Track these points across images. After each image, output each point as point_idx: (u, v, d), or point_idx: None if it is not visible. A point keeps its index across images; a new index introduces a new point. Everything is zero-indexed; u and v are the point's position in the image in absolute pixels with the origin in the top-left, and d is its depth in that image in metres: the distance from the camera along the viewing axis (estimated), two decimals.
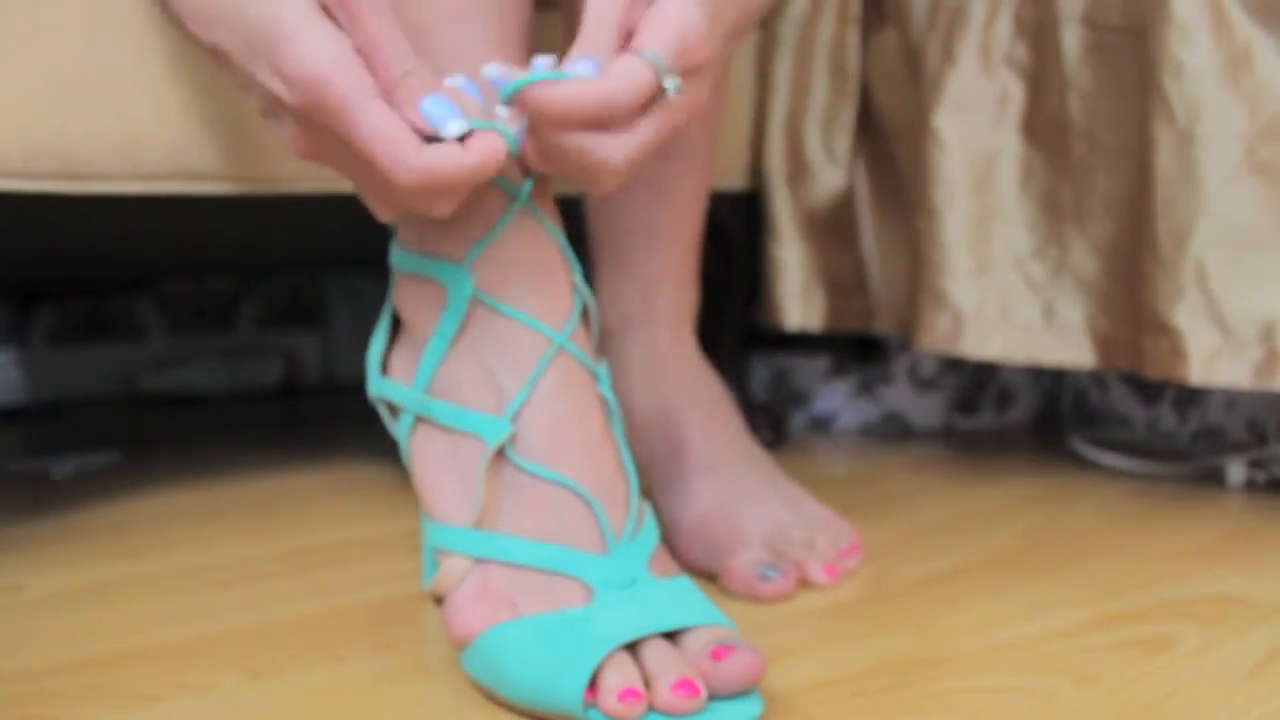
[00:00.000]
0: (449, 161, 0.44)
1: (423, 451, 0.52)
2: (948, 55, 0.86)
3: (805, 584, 0.62)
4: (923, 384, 1.08)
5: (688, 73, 0.48)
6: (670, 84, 0.46)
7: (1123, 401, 1.07)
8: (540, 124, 0.46)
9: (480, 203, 0.50)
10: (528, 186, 0.51)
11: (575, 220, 0.67)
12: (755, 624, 0.55)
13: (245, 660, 0.52)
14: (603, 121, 0.46)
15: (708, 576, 0.63)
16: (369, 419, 0.65)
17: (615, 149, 0.47)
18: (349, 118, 0.44)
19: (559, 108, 0.45)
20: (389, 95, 0.45)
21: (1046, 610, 0.58)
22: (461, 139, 0.45)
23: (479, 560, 0.49)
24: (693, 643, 0.45)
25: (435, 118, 0.45)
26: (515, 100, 0.46)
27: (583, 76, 0.45)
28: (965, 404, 1.09)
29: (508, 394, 0.50)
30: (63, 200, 0.66)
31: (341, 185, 0.71)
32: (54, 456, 0.98)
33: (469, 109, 0.46)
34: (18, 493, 0.88)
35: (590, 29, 0.47)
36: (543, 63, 0.46)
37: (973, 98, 0.86)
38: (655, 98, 0.47)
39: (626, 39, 0.47)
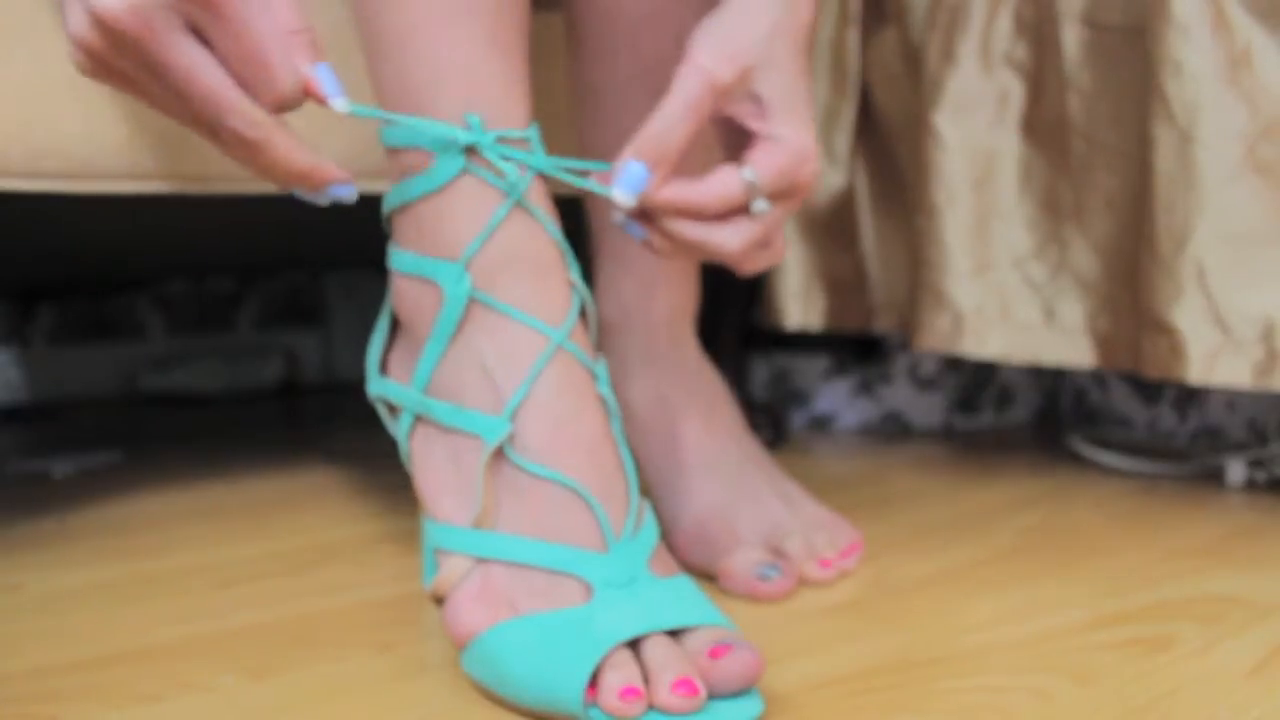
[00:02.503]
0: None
1: (422, 451, 0.52)
2: (948, 55, 0.86)
3: (804, 583, 0.62)
4: (923, 383, 1.08)
5: (781, 196, 0.52)
6: (759, 206, 0.51)
7: (1123, 401, 1.07)
8: (656, 212, 0.51)
9: (475, 200, 0.50)
10: (523, 184, 0.51)
11: (575, 215, 0.67)
12: (755, 624, 0.55)
13: (245, 660, 0.52)
14: (696, 217, 0.51)
15: (706, 576, 0.63)
16: (369, 419, 0.65)
17: (728, 238, 0.52)
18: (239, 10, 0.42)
19: (659, 200, 0.50)
20: (280, 42, 0.44)
21: (1046, 610, 0.58)
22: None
23: (479, 560, 0.49)
24: (692, 642, 0.45)
25: (328, 83, 0.45)
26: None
27: (620, 189, 0.50)
28: (965, 404, 1.09)
29: (506, 393, 0.50)
30: (63, 200, 0.66)
31: None
32: (54, 456, 0.98)
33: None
34: (18, 493, 0.88)
35: (656, 131, 0.50)
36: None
37: (973, 97, 0.86)
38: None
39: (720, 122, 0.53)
